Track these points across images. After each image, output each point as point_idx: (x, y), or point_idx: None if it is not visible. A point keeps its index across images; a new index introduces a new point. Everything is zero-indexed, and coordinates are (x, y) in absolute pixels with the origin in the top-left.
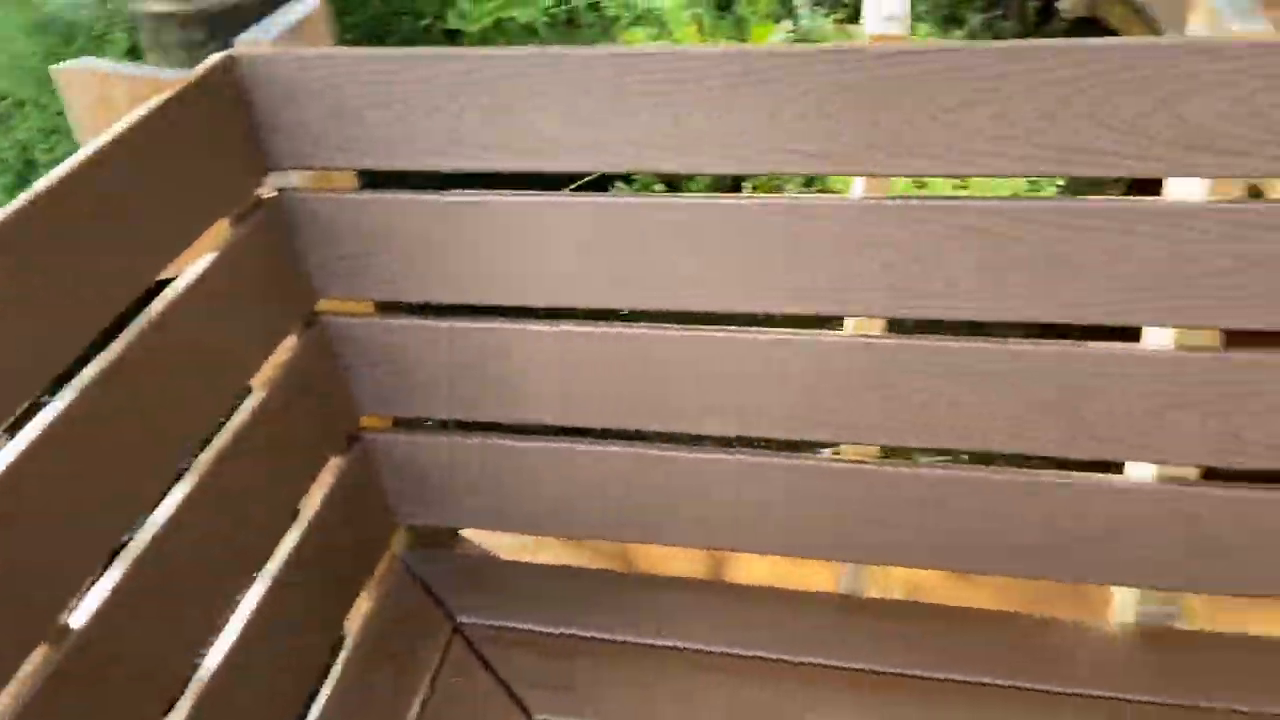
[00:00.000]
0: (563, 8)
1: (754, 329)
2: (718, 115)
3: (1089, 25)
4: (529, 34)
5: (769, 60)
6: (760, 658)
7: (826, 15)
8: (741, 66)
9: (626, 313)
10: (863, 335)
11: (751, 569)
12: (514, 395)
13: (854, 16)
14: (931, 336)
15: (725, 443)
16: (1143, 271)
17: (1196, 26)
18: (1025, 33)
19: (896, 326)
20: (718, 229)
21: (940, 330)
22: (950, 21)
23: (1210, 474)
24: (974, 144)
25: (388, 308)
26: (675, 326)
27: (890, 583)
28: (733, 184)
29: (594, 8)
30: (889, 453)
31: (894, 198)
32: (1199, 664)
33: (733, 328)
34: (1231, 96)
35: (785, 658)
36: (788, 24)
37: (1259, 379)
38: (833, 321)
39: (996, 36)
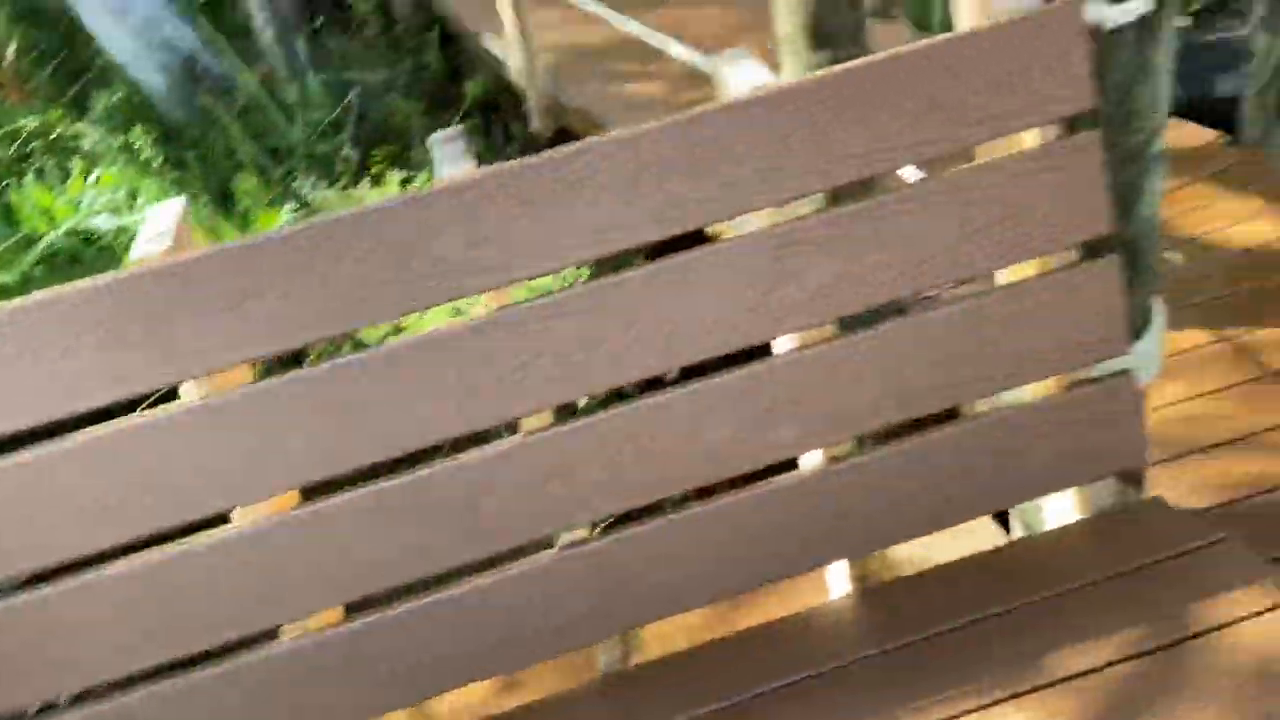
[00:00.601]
0: (58, 249)
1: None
2: (65, 356)
3: (565, 136)
4: (26, 284)
5: (80, 296)
6: None
7: (330, 185)
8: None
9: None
10: (301, 509)
11: None
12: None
13: (355, 180)
14: (351, 490)
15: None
16: (493, 376)
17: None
18: (523, 153)
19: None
20: (146, 446)
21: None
22: None
23: (620, 520)
24: (273, 324)
25: None
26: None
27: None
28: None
29: (90, 241)
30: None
31: (280, 379)
32: (650, 694)
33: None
34: (465, 230)
35: None
36: (290, 205)
37: (596, 437)
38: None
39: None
